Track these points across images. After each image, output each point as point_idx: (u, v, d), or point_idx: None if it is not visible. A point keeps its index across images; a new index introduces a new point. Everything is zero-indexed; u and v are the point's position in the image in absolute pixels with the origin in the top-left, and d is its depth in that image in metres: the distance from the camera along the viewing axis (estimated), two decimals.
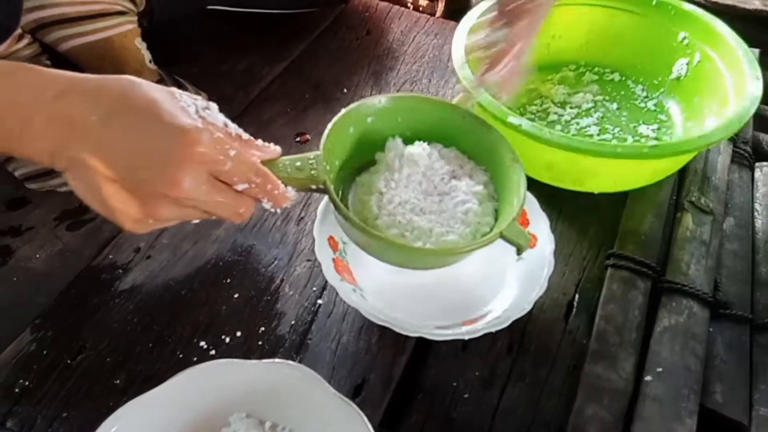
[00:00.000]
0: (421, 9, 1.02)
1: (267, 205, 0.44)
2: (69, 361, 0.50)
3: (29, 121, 0.37)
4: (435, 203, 0.48)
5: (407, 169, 0.49)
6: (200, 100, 0.42)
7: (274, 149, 0.45)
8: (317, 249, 0.50)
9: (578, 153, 0.56)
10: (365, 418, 0.39)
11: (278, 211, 0.45)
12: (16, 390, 0.48)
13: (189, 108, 0.40)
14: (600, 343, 0.53)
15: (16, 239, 0.59)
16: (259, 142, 0.45)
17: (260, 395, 0.40)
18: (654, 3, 0.74)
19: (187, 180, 0.38)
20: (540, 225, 0.54)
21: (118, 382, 0.49)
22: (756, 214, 0.69)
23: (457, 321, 0.50)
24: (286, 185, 0.44)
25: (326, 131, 0.47)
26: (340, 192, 0.50)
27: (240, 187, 0.41)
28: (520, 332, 0.54)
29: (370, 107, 0.50)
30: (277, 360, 0.41)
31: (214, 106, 0.43)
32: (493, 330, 0.47)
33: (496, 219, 0.49)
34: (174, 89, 0.41)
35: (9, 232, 0.59)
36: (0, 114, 0.37)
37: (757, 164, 0.76)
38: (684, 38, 0.72)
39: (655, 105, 0.75)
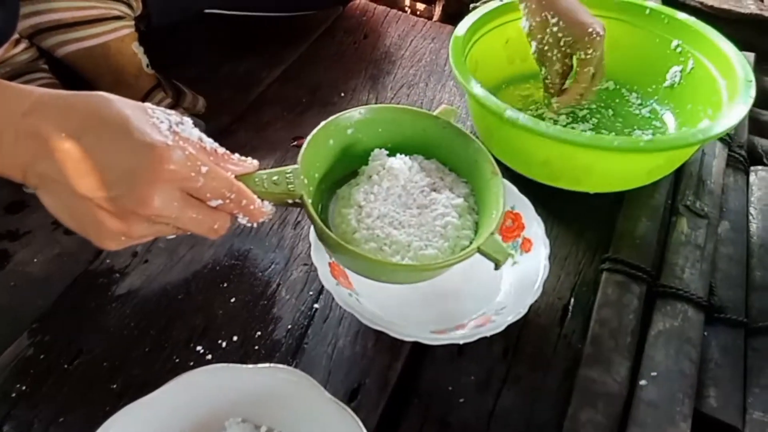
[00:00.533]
0: (418, 13, 1.03)
1: (243, 220, 0.44)
2: (66, 366, 0.50)
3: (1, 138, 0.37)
4: (414, 216, 0.48)
5: (387, 182, 0.49)
6: (174, 115, 0.41)
7: (251, 163, 0.45)
8: (313, 253, 0.50)
9: (575, 146, 0.57)
10: (360, 423, 0.39)
11: (254, 225, 0.46)
12: (13, 394, 0.48)
13: (161, 124, 0.40)
14: (595, 348, 0.53)
15: (14, 243, 0.59)
16: (236, 156, 0.45)
17: (256, 400, 0.41)
18: (647, 12, 0.74)
19: (158, 198, 0.38)
20: (535, 229, 0.55)
21: (114, 386, 0.49)
22: (751, 217, 0.69)
23: (452, 325, 0.50)
24: (262, 200, 0.44)
25: (304, 145, 0.47)
26: (320, 206, 0.50)
27: (214, 203, 0.41)
28: (515, 336, 0.55)
29: (349, 119, 0.51)
30: (272, 365, 0.41)
31: (188, 120, 0.42)
32: (488, 334, 0.47)
33: (476, 232, 0.49)
34: (147, 105, 0.41)
35: (7, 236, 0.59)
36: None
37: (752, 168, 0.76)
38: (677, 46, 0.73)
39: (649, 112, 0.76)
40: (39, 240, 0.59)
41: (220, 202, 0.41)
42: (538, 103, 0.77)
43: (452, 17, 0.94)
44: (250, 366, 0.41)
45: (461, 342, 0.46)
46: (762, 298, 0.60)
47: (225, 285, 0.57)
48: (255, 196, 0.43)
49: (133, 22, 0.70)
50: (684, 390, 0.51)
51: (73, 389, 0.49)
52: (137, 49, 0.70)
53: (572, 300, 0.58)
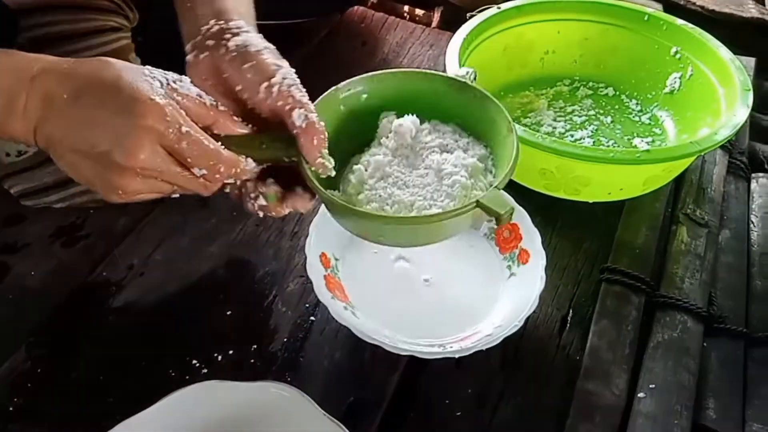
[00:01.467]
0: (417, 19, 1.03)
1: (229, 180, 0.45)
2: (63, 380, 0.51)
3: (12, 101, 0.40)
4: (421, 177, 0.47)
5: (393, 142, 0.48)
6: (171, 74, 0.43)
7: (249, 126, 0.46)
8: (308, 267, 0.50)
9: (571, 158, 0.56)
10: None
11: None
12: (10, 408, 0.49)
13: (154, 82, 0.41)
14: (593, 360, 0.53)
15: (13, 256, 0.59)
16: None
17: (249, 417, 0.41)
18: (646, 18, 0.74)
19: (141, 151, 0.40)
20: (532, 240, 0.54)
21: (110, 400, 0.49)
22: (752, 226, 0.69)
23: (449, 339, 0.50)
24: (255, 159, 0.44)
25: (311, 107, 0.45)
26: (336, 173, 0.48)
27: (198, 172, 0.42)
28: (513, 348, 0.54)
29: (361, 83, 0.50)
30: (264, 382, 0.41)
31: (186, 78, 0.44)
32: (483, 348, 0.47)
33: None
34: (147, 67, 0.43)
35: (5, 250, 0.60)
36: None
37: (753, 175, 0.76)
38: (676, 52, 0.72)
39: (649, 119, 0.76)
40: (37, 253, 0.60)
41: (204, 172, 0.42)
42: (537, 111, 0.77)
43: (451, 23, 0.94)
44: (242, 383, 0.41)
45: (456, 356, 0.46)
46: (763, 308, 0.60)
47: (221, 297, 0.57)
48: (237, 158, 0.44)
49: (130, 34, 0.70)
50: (683, 402, 0.50)
51: (69, 403, 0.49)
52: (134, 60, 0.70)
53: (571, 311, 0.58)
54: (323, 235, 0.54)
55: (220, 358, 0.52)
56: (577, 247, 0.64)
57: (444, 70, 0.76)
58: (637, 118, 0.76)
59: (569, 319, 0.57)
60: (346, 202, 0.44)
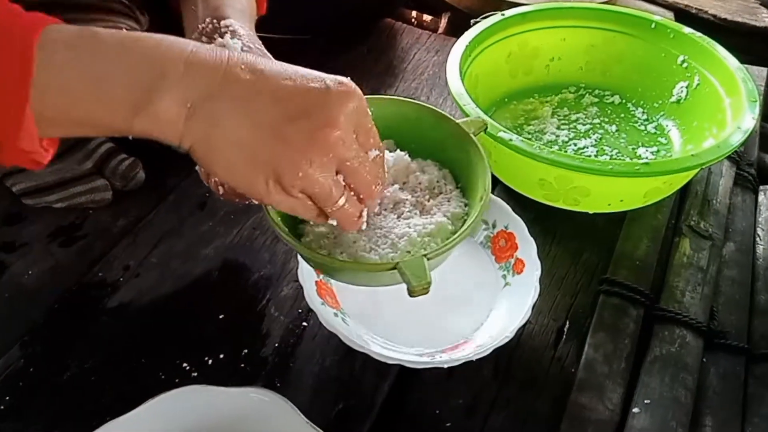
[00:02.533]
0: (425, 24, 1.03)
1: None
2: (56, 379, 0.51)
3: (165, 71, 0.34)
4: (379, 217, 0.45)
5: None
6: None
7: None
8: (300, 273, 0.50)
9: (569, 170, 0.55)
10: None
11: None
12: (2, 407, 0.49)
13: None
14: (588, 372, 0.52)
15: (11, 255, 0.60)
16: None
17: (232, 423, 0.40)
18: (653, 26, 0.73)
19: (343, 119, 0.36)
20: (528, 250, 0.54)
21: (102, 401, 0.49)
22: (758, 239, 0.67)
23: (440, 348, 0.50)
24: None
25: None
26: None
27: (372, 153, 0.40)
28: (506, 359, 0.54)
29: None
30: (248, 388, 0.41)
31: None
32: (473, 359, 0.46)
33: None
34: None
35: (3, 248, 0.60)
36: (135, 67, 0.34)
37: (761, 187, 0.74)
38: (683, 61, 0.71)
39: (655, 128, 0.74)
40: (34, 252, 0.60)
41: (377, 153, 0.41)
42: (541, 118, 0.76)
43: (458, 29, 0.93)
44: (225, 389, 0.41)
45: (445, 366, 0.45)
46: (766, 324, 0.59)
47: (215, 300, 0.57)
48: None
49: None
50: (678, 419, 0.49)
51: (61, 403, 0.49)
52: None
53: (567, 322, 0.57)
54: None
55: (210, 361, 0.52)
56: (576, 258, 0.63)
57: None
58: (642, 127, 0.75)
59: (566, 330, 0.56)
60: (290, 235, 0.43)
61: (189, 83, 0.35)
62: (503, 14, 0.74)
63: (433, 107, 0.50)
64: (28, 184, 0.62)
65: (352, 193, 0.41)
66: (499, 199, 0.57)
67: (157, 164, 0.66)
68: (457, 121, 0.48)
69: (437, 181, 0.48)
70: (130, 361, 0.52)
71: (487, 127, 0.49)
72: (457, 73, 0.65)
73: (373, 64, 0.87)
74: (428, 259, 0.39)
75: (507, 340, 0.47)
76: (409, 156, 0.49)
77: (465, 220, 0.46)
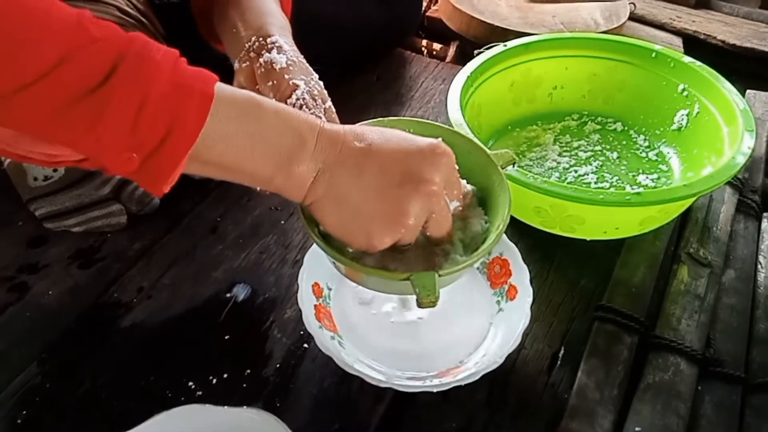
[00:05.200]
0: (434, 53, 1.05)
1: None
2: (69, 395, 0.54)
3: (304, 140, 0.41)
4: None
5: None
6: None
7: None
8: (300, 296, 0.52)
9: (561, 199, 0.57)
10: None
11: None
12: (18, 420, 0.52)
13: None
14: (579, 399, 0.53)
15: (33, 276, 0.63)
16: None
17: None
18: (653, 55, 0.74)
19: (436, 177, 0.42)
20: (521, 277, 0.55)
21: (112, 416, 0.52)
22: (759, 267, 0.67)
23: (432, 372, 0.51)
24: None
25: None
26: None
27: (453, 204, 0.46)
28: (500, 384, 0.55)
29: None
30: (243, 408, 0.43)
31: None
32: (462, 383, 0.48)
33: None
34: None
35: (27, 269, 0.64)
36: (283, 133, 0.41)
37: (765, 214, 0.74)
38: (683, 90, 0.72)
39: (656, 155, 0.75)
40: (55, 273, 0.64)
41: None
42: (542, 145, 0.78)
43: (466, 57, 0.96)
44: (222, 408, 0.43)
45: (434, 390, 0.47)
46: (765, 353, 0.59)
47: (221, 321, 0.59)
48: None
49: None
50: None
51: (72, 419, 0.52)
52: None
53: (562, 349, 0.58)
54: (318, 265, 0.56)
55: (214, 381, 0.54)
56: (573, 285, 0.64)
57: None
58: (644, 154, 0.76)
59: (560, 356, 0.57)
60: (318, 235, 0.46)
61: (319, 153, 0.41)
62: (505, 45, 0.76)
63: (468, 136, 0.53)
64: (49, 209, 0.66)
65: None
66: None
67: (171, 190, 0.70)
68: (489, 152, 0.51)
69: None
70: (139, 379, 0.55)
71: (515, 162, 0.51)
72: (458, 103, 0.67)
73: (381, 92, 0.90)
74: (440, 276, 0.42)
75: (496, 365, 0.49)
76: None
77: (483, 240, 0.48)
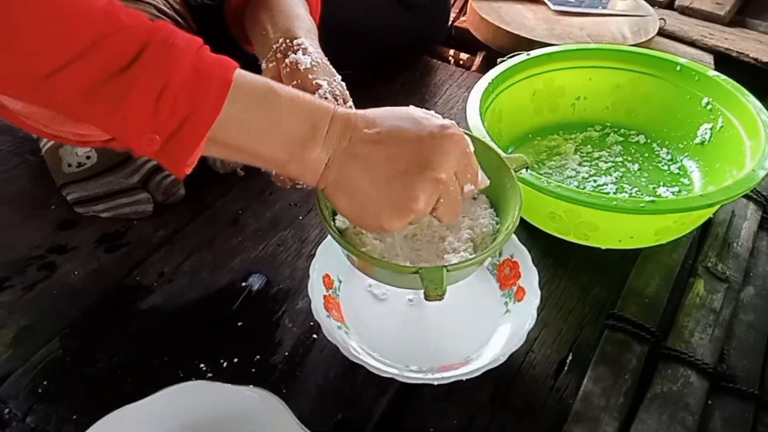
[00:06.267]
0: (461, 62, 1.07)
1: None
2: (87, 370, 0.56)
3: (316, 126, 0.42)
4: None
5: None
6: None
7: None
8: (310, 286, 0.54)
9: (573, 203, 0.57)
10: None
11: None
12: (39, 390, 0.54)
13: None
14: (584, 404, 0.53)
15: (61, 256, 0.66)
16: None
17: (232, 420, 0.44)
18: (678, 68, 0.74)
19: (445, 164, 0.43)
20: (530, 279, 0.55)
21: (124, 392, 0.54)
22: None
23: (435, 366, 0.52)
24: None
25: None
26: None
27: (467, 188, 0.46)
28: (505, 385, 0.55)
29: None
30: (249, 386, 0.45)
31: None
32: (464, 378, 0.48)
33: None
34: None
35: (57, 250, 0.67)
36: (297, 119, 0.42)
37: None
38: (707, 103, 0.72)
39: (678, 168, 0.75)
40: (82, 255, 0.66)
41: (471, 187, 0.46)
42: (563, 154, 0.78)
43: (493, 67, 0.97)
44: (228, 386, 0.44)
45: (435, 383, 0.47)
46: None
47: (236, 308, 0.61)
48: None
49: None
50: None
51: (88, 392, 0.54)
52: None
53: (570, 355, 0.58)
54: (330, 257, 0.57)
55: (225, 364, 0.56)
56: (585, 292, 0.63)
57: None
58: (665, 167, 0.75)
59: (568, 362, 0.57)
60: (333, 228, 0.48)
61: (330, 140, 0.43)
62: (529, 54, 0.77)
63: (482, 139, 0.54)
64: (80, 194, 0.69)
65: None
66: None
67: (196, 182, 0.72)
68: (502, 155, 0.52)
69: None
70: (153, 359, 0.57)
71: (528, 166, 0.52)
72: (477, 108, 0.68)
73: (405, 98, 0.92)
74: (447, 271, 0.43)
75: (499, 363, 0.49)
76: None
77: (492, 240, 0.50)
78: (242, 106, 0.40)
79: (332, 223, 0.49)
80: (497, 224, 0.52)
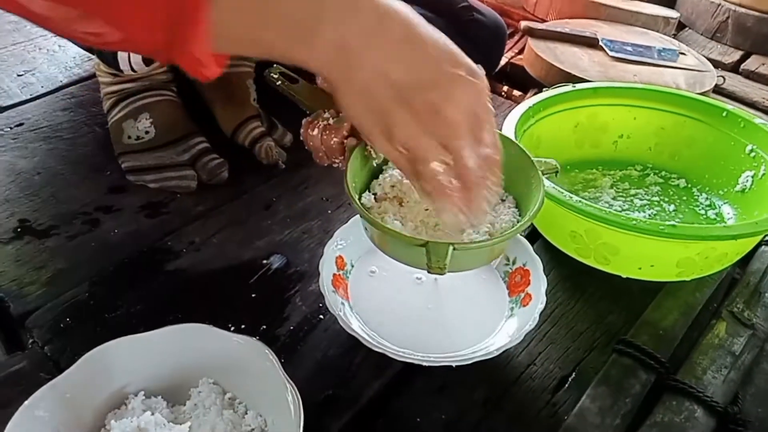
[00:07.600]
0: (513, 98, 1.09)
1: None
2: (106, 315, 0.60)
3: (322, 7, 0.38)
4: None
5: None
6: None
7: None
8: (322, 262, 0.56)
9: (594, 221, 0.57)
10: (300, 404, 0.42)
11: None
12: (61, 325, 0.58)
13: None
14: (578, 420, 0.51)
15: (106, 215, 0.72)
16: None
17: (227, 366, 0.46)
18: (724, 114, 0.73)
19: (461, 104, 0.41)
20: (538, 286, 0.55)
21: None
22: None
23: (430, 354, 0.52)
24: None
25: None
26: None
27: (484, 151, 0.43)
28: (501, 390, 0.54)
29: None
30: (244, 336, 0.47)
31: None
32: (452, 364, 0.48)
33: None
34: None
35: (102, 209, 0.72)
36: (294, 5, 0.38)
37: None
38: (751, 150, 0.71)
39: (715, 214, 0.73)
40: (124, 217, 0.71)
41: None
42: (598, 188, 0.77)
43: None
44: (227, 332, 0.47)
45: (425, 363, 0.48)
46: None
47: (252, 282, 0.64)
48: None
49: (254, 65, 0.85)
50: None
51: (103, 333, 0.57)
52: (250, 85, 0.84)
53: (574, 374, 0.56)
54: (347, 241, 0.59)
55: (233, 329, 0.58)
56: (600, 318, 0.62)
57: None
58: (702, 212, 0.74)
59: (569, 380, 0.56)
60: (360, 201, 0.50)
61: (347, 21, 0.38)
62: (574, 86, 0.78)
63: (516, 141, 0.55)
64: (133, 164, 0.75)
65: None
66: (522, 238, 0.59)
67: (240, 168, 0.77)
68: (532, 157, 0.53)
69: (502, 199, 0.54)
70: (168, 315, 0.60)
71: (558, 172, 0.53)
72: (513, 127, 0.69)
73: None
74: (454, 249, 0.44)
75: (490, 356, 0.49)
76: None
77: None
78: None
79: (357, 196, 0.51)
80: (518, 222, 0.52)
